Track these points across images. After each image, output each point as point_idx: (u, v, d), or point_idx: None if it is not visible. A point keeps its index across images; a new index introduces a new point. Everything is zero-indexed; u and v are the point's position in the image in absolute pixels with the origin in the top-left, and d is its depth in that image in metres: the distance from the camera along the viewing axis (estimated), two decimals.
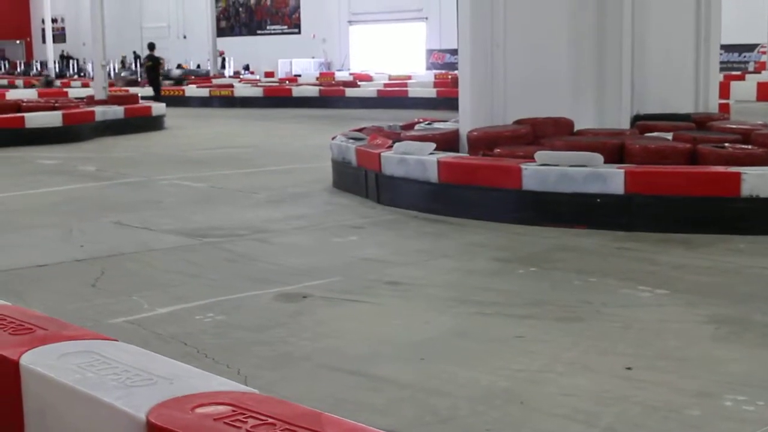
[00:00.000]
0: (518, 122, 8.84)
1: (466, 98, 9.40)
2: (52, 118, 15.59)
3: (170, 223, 7.71)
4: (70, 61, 52.62)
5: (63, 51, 54.90)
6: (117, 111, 17.57)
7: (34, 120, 15.41)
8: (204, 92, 27.82)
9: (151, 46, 26.42)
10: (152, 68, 25.90)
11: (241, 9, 52.14)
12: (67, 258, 6.43)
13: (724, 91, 18.31)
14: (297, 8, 49.63)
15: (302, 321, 4.83)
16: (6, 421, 2.70)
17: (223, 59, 41.76)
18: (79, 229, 7.58)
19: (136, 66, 46.51)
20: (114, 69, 41.96)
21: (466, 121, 9.28)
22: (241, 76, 39.18)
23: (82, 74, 47.32)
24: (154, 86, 25.68)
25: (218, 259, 6.36)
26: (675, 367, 4.01)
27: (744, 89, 24.58)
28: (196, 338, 4.48)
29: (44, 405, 2.56)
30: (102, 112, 17.03)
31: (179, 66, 47.30)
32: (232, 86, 28.96)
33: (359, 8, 46.05)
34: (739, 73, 29.46)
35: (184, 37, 52.36)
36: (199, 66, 45.72)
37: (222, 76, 38.39)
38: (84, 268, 6.10)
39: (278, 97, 26.06)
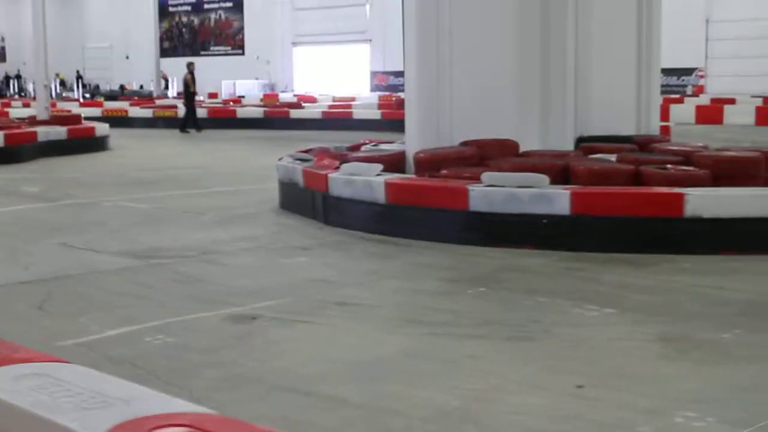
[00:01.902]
0: (464, 143, 8.89)
1: (413, 120, 9.44)
2: None
3: (116, 244, 7.64)
4: (10, 81, 51.99)
5: (6, 71, 54.25)
6: (60, 131, 17.39)
7: None
8: (148, 113, 27.64)
9: (189, 65, 25.33)
10: (186, 87, 25.04)
11: (184, 30, 51.91)
12: (11, 280, 6.35)
13: (664, 114, 18.55)
14: (241, 29, 49.52)
15: (252, 342, 4.82)
16: None
17: (167, 81, 41.51)
18: (24, 250, 7.49)
19: (78, 86, 46.15)
20: (55, 89, 41.56)
21: (412, 142, 9.32)
22: None
23: (23, 94, 46.78)
24: (188, 106, 24.82)
25: (166, 281, 6.32)
26: (625, 384, 4.06)
27: (683, 112, 24.95)
28: (147, 360, 4.45)
29: None
30: (44, 133, 16.84)
31: (122, 87, 47.02)
32: (176, 107, 28.78)
33: (303, 30, 46.06)
34: (678, 96, 29.91)
35: (127, 57, 51.99)
36: (141, 86, 45.45)
37: (165, 97, 38.15)
38: (30, 290, 6.03)
39: (222, 119, 25.95)
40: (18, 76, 51.34)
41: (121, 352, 4.60)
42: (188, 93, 24.61)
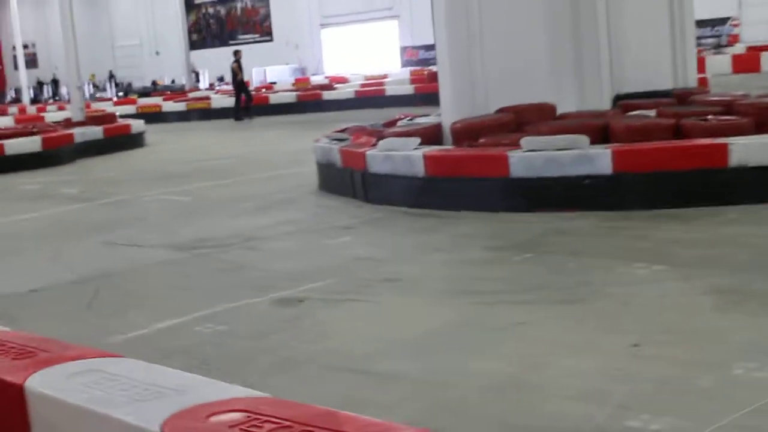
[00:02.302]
0: (500, 111, 8.82)
1: (447, 91, 9.37)
2: (31, 144, 15.46)
3: (158, 238, 7.66)
4: (43, 86, 52.39)
5: (37, 77, 54.68)
6: (96, 131, 17.47)
7: (13, 147, 15.28)
8: (181, 106, 27.73)
9: (235, 54, 25.61)
10: (234, 76, 25.28)
11: (212, 21, 52.03)
12: (59, 281, 6.38)
13: (700, 65, 18.32)
14: (268, 16, 49.55)
15: (302, 324, 4.80)
16: None
17: (197, 74, 41.63)
18: (68, 251, 7.53)
19: (111, 85, 46.46)
20: (89, 89, 41.85)
21: (448, 113, 9.25)
22: (217, 88, 39.07)
23: (57, 98, 47.14)
24: (237, 95, 24.97)
25: (211, 270, 6.32)
26: (680, 340, 4.00)
27: (719, 63, 24.63)
28: (198, 350, 4.45)
29: (53, 428, 2.52)
30: (81, 134, 16.92)
31: (154, 83, 47.25)
32: (208, 98, 28.89)
33: (330, 11, 46.00)
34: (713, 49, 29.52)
35: (157, 53, 52.22)
36: (173, 81, 45.63)
37: (197, 89, 38.28)
38: (77, 290, 6.05)
39: (255, 106, 25.97)
40: (54, 81, 51.71)
41: (172, 343, 4.60)
42: (237, 81, 24.72)
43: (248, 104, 24.79)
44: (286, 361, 4.20)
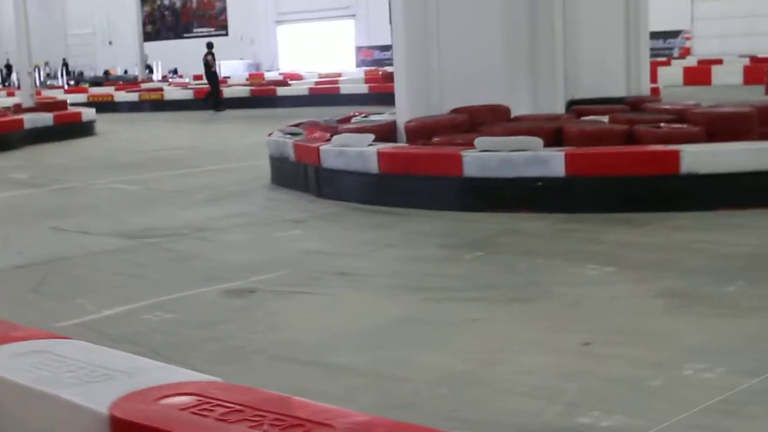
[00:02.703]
0: (455, 111, 8.83)
1: (402, 89, 9.37)
2: None
3: (109, 226, 7.56)
4: None
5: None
6: (46, 118, 17.22)
7: None
8: (133, 97, 27.46)
9: (208, 46, 25.67)
10: (207, 68, 25.29)
11: (167, 12, 51.64)
12: (5, 265, 6.28)
13: (652, 77, 18.51)
14: (224, 10, 49.27)
15: (252, 315, 4.76)
16: None
17: (149, 67, 41.26)
18: (16, 236, 7.41)
19: (63, 74, 45.91)
20: (39, 77, 41.32)
21: (402, 111, 9.24)
22: (170, 80, 38.77)
23: (7, 84, 46.47)
24: (214, 87, 25.05)
25: (161, 259, 6.25)
26: (631, 340, 4.02)
27: (671, 74, 24.90)
28: (146, 337, 4.39)
29: None
30: (31, 120, 16.69)
31: (106, 72, 46.78)
32: (161, 90, 28.65)
33: (286, 8, 45.84)
34: (665, 59, 29.84)
35: (110, 43, 51.72)
36: (126, 71, 45.20)
37: (150, 80, 37.95)
38: (24, 275, 5.96)
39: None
40: (8, 66, 50.94)
41: (120, 330, 4.54)
42: (210, 73, 24.61)
43: (209, 97, 24.69)
44: (234, 351, 4.16)
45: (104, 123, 19.35)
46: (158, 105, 26.10)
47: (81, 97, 27.14)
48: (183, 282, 5.51)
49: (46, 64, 47.81)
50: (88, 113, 18.84)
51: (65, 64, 49.24)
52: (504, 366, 3.78)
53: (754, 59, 26.50)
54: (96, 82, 40.59)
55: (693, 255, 5.63)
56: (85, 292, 5.40)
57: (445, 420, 3.24)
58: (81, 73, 49.75)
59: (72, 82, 43.58)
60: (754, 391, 3.36)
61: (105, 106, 25.47)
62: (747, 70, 24.54)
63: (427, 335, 4.28)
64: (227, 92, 26.36)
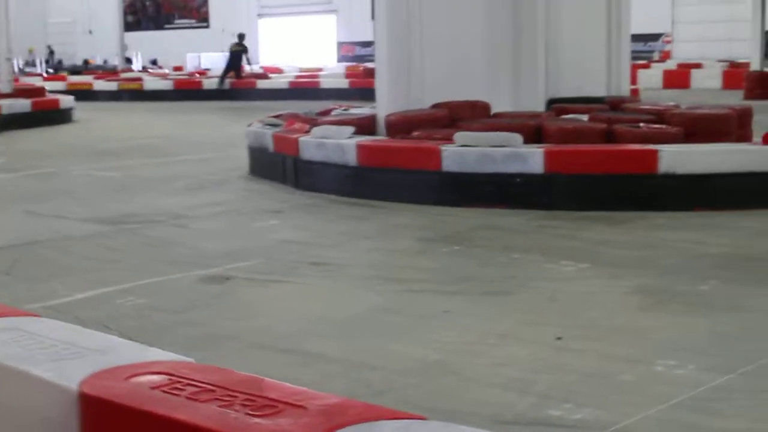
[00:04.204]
0: (436, 106, 8.82)
1: (384, 83, 9.35)
2: None
3: (85, 211, 7.52)
4: None
5: None
6: (24, 104, 17.12)
7: None
8: (113, 86, 27.29)
9: (241, 36, 27.78)
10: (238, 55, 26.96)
11: (148, 3, 51.38)
12: None
13: (632, 79, 18.59)
14: (205, 2, 49.05)
15: (227, 302, 4.75)
16: None
17: (127, 59, 41.00)
18: None
19: (51, 61, 45.64)
20: (19, 64, 41.01)
21: (383, 105, 9.23)
22: (150, 71, 38.59)
23: None
24: (238, 72, 26.62)
25: (137, 245, 6.23)
26: (605, 335, 4.03)
27: (650, 77, 24.99)
28: (118, 322, 4.37)
29: None
30: (8, 106, 16.58)
31: (85, 61, 46.51)
32: (141, 80, 28.49)
33: (269, 1, 45.71)
34: (645, 62, 29.94)
35: (90, 32, 51.42)
36: (105, 61, 44.94)
37: (130, 70, 37.76)
38: None
39: (188, 90, 25.69)
40: None
41: (92, 313, 4.51)
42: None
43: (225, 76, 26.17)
44: (207, 337, 4.14)
45: (83, 111, 19.24)
46: (137, 95, 25.95)
47: (60, 85, 26.95)
48: (158, 268, 5.49)
49: (30, 51, 47.49)
50: (67, 100, 18.73)
51: (51, 52, 48.94)
52: (477, 357, 3.78)
53: (732, 64, 26.64)
54: (75, 70, 40.33)
55: (668, 254, 5.65)
56: (57, 275, 5.36)
57: (416, 408, 3.22)
58: (60, 62, 49.46)
59: (51, 70, 43.29)
60: (723, 388, 3.38)
61: (84, 94, 25.26)
62: (726, 75, 24.67)
63: (401, 326, 4.27)
64: (206, 83, 26.28)
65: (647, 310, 4.44)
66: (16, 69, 30.76)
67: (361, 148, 7.92)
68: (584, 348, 3.87)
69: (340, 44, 43.93)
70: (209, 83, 26.52)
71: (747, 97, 19.06)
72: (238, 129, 11.59)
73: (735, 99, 17.50)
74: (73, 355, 2.40)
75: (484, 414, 3.21)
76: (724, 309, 4.45)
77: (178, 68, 39.46)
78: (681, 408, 3.21)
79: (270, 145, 9.07)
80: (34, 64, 45.22)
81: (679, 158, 7.01)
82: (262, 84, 25.90)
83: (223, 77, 26.31)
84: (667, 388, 3.37)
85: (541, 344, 3.91)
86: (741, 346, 3.86)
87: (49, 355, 2.39)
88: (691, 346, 3.86)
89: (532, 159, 7.19)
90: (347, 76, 27.70)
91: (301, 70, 32.76)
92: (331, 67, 35.16)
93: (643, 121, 8.17)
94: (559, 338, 3.98)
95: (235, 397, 2.10)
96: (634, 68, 23.36)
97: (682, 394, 3.31)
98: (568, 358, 3.73)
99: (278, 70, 33.19)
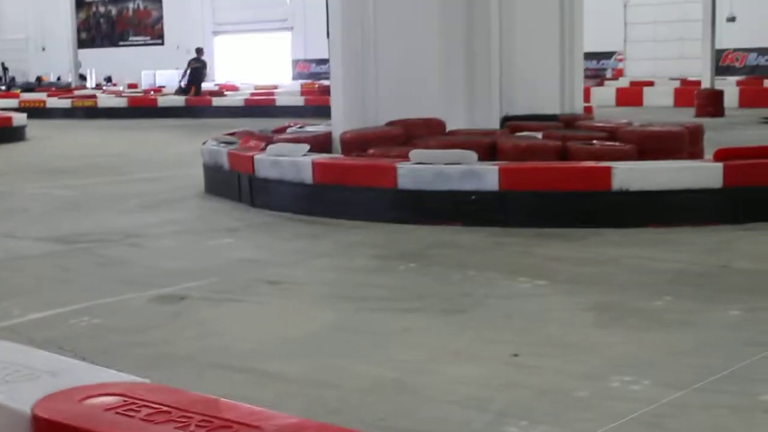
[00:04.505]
0: (390, 123, 8.85)
1: (339, 101, 9.37)
2: None
3: (38, 230, 7.45)
4: None
5: None
6: None
7: None
8: (66, 103, 27.07)
9: (199, 51, 27.96)
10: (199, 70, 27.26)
11: (102, 20, 51.09)
12: None
13: (585, 96, 18.74)
14: (160, 19, 48.88)
15: (182, 321, 4.72)
16: None
17: (81, 76, 40.70)
18: None
19: (4, 78, 45.22)
20: None
21: (338, 123, 9.25)
22: (104, 88, 38.34)
23: None
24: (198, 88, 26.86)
25: (90, 264, 6.17)
26: (560, 352, 4.05)
27: (604, 95, 25.21)
28: (73, 342, 4.33)
29: None
30: None
31: (38, 78, 46.13)
32: (95, 97, 28.29)
33: (224, 18, 45.62)
34: (597, 79, 30.21)
35: (43, 49, 51.03)
36: (59, 78, 44.61)
37: (84, 87, 37.50)
38: None
39: (143, 108, 25.52)
40: None
41: (46, 334, 4.46)
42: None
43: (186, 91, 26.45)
44: (163, 357, 4.11)
45: (36, 129, 19.07)
46: (91, 112, 25.75)
47: (12, 103, 26.70)
48: (112, 287, 5.45)
49: None
50: (19, 118, 18.55)
51: (5, 69, 48.48)
52: (434, 375, 3.79)
53: (684, 82, 26.95)
54: (28, 87, 39.98)
55: (623, 270, 5.69)
56: (10, 295, 5.30)
57: (373, 428, 3.23)
58: (13, 79, 49.00)
59: (2, 87, 42.89)
60: (678, 404, 3.40)
61: (37, 112, 25.03)
62: (678, 93, 24.92)
63: (358, 344, 4.27)
64: (161, 101, 26.16)
65: (603, 327, 4.47)
66: None
67: (316, 165, 7.92)
68: (540, 365, 3.88)
69: (296, 62, 43.94)
70: (164, 101, 26.37)
71: (698, 114, 19.29)
72: (193, 147, 11.54)
73: (687, 116, 17.72)
74: (26, 377, 2.38)
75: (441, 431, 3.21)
76: (678, 324, 4.49)
77: (132, 85, 39.25)
78: (637, 423, 3.23)
79: (225, 163, 9.04)
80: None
81: (632, 175, 7.07)
82: (217, 101, 25.82)
83: (187, 90, 26.64)
84: (623, 404, 3.39)
85: (498, 361, 3.93)
86: (695, 362, 3.90)
87: (1, 377, 2.36)
88: (647, 362, 3.88)
89: (487, 176, 7.22)
90: (302, 93, 27.68)
91: (257, 88, 32.72)
92: (286, 85, 35.13)
93: (596, 139, 8.25)
94: (515, 355, 4.00)
95: (191, 418, 2.10)
96: (588, 86, 23.61)
97: (638, 410, 3.33)
98: (525, 375, 3.74)
99: (234, 88, 33.13)
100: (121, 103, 26.49)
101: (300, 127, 10.74)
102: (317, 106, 21.51)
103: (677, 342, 4.21)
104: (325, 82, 23.53)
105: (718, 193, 7.08)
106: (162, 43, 48.45)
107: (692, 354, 4.03)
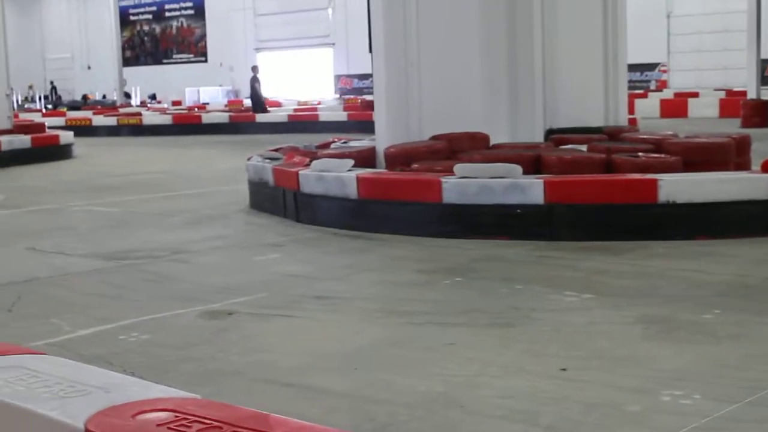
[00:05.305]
0: (434, 138, 8.85)
1: (382, 115, 9.38)
2: None
3: (86, 247, 7.52)
4: None
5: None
6: (23, 140, 17.17)
7: None
8: (112, 121, 27.40)
9: (254, 69, 29.10)
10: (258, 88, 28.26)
11: (146, 38, 51.66)
12: None
13: (630, 108, 18.65)
14: (203, 36, 49.33)
15: (230, 337, 4.74)
16: None
17: (126, 94, 41.14)
18: None
19: (52, 97, 45.82)
20: (18, 100, 41.16)
21: (382, 138, 9.26)
22: (149, 105, 38.72)
23: None
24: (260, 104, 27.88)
25: (138, 280, 6.22)
26: (609, 366, 4.02)
27: (648, 106, 25.07)
28: (122, 358, 4.36)
29: None
30: (8, 142, 16.63)
31: (84, 97, 46.66)
32: (140, 114, 28.59)
33: (266, 35, 45.95)
34: (641, 91, 30.05)
35: (89, 67, 51.66)
36: (104, 96, 45.14)
37: (129, 105, 37.89)
38: None
39: (187, 125, 25.78)
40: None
41: (95, 350, 4.50)
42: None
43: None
44: (211, 372, 4.13)
45: (82, 146, 19.30)
46: (137, 130, 26.05)
47: (59, 121, 27.06)
48: (160, 303, 5.48)
49: (30, 87, 47.70)
50: (66, 136, 18.78)
51: (53, 87, 49.10)
52: (483, 389, 3.77)
53: (729, 92, 26.75)
54: (74, 106, 40.48)
55: (670, 283, 5.65)
56: (59, 312, 5.35)
57: None
58: (59, 97, 49.63)
59: (50, 106, 43.43)
60: (731, 417, 3.37)
61: (83, 129, 25.36)
62: (722, 103, 24.75)
63: (405, 359, 4.26)
64: (205, 118, 26.36)
65: (651, 340, 4.44)
66: (15, 105, 30.88)
67: (361, 180, 7.94)
68: (589, 378, 3.86)
69: (338, 77, 44.12)
70: (208, 117, 26.59)
71: (744, 125, 19.12)
72: (237, 163, 11.61)
73: (732, 127, 17.57)
74: (79, 393, 2.39)
75: None
76: (728, 337, 4.44)
77: (176, 103, 39.64)
78: None
79: (270, 178, 9.08)
80: (33, 100, 45.41)
81: (678, 187, 7.02)
82: (261, 117, 25.98)
83: (262, 105, 27.57)
84: (674, 419, 3.36)
85: (546, 376, 3.90)
86: (746, 375, 3.85)
87: (54, 393, 2.38)
88: (697, 376, 3.84)
89: (532, 190, 7.20)
90: (345, 108, 27.79)
91: (300, 104, 32.88)
92: (328, 100, 35.29)
93: (641, 151, 8.19)
94: (563, 369, 3.97)
95: None
96: (632, 98, 23.48)
97: (690, 424, 3.29)
98: (573, 390, 3.72)
99: (277, 104, 33.32)
100: (165, 120, 26.77)
101: (344, 142, 10.77)
102: (360, 121, 21.59)
103: (727, 355, 4.17)
104: (368, 97, 23.61)
105: (767, 205, 7.00)
106: (205, 61, 48.92)
107: (742, 367, 3.98)
